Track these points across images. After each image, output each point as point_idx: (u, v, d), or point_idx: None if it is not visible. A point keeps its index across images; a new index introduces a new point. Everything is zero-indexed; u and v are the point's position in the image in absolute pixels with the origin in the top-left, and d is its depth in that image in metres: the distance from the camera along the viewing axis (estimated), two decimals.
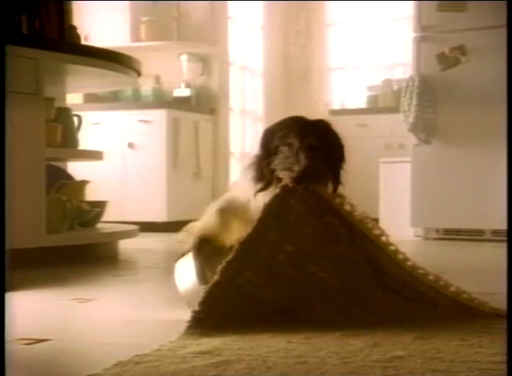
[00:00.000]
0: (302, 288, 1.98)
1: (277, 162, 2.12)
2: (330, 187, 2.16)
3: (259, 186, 2.16)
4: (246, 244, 1.99)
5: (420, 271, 2.11)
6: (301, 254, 2.01)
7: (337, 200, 2.11)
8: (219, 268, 1.96)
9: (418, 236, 5.45)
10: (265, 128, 2.26)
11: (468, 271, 3.52)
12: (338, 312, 1.97)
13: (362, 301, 2.00)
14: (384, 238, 2.11)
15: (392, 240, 2.14)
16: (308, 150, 2.08)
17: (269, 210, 2.03)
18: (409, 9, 6.25)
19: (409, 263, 2.12)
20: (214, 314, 1.89)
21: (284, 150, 2.12)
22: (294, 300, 1.97)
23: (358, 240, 2.07)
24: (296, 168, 2.08)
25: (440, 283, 2.12)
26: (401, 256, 2.12)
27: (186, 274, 2.18)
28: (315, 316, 1.94)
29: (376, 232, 2.10)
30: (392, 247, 2.12)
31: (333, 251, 2.03)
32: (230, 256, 1.98)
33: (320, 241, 2.04)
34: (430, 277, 2.11)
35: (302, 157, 2.07)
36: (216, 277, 1.95)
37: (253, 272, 1.97)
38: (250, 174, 2.21)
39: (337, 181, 2.18)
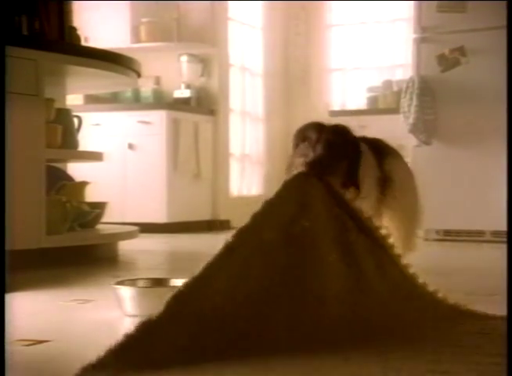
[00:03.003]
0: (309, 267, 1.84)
1: (296, 155, 2.28)
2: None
3: None
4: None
5: (420, 280, 2.10)
6: (316, 231, 1.91)
7: (349, 195, 2.13)
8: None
9: (418, 237, 5.44)
10: None
11: (468, 272, 3.52)
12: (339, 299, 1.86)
13: (366, 289, 1.95)
14: (390, 241, 2.09)
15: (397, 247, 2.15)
16: (325, 142, 2.22)
17: (284, 189, 1.97)
18: (409, 10, 6.26)
19: (411, 271, 2.10)
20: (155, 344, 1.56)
21: (303, 144, 2.27)
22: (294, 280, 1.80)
23: (363, 236, 2.04)
24: (311, 154, 2.21)
25: (438, 294, 2.12)
26: (404, 262, 2.11)
27: None
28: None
29: (383, 232, 2.09)
30: (396, 252, 2.11)
31: (342, 239, 2.00)
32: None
33: (331, 228, 1.98)
34: (430, 288, 2.11)
35: (318, 147, 2.22)
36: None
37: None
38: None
39: (353, 180, 2.23)
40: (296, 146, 2.30)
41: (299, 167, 2.17)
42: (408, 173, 2.66)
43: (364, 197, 2.32)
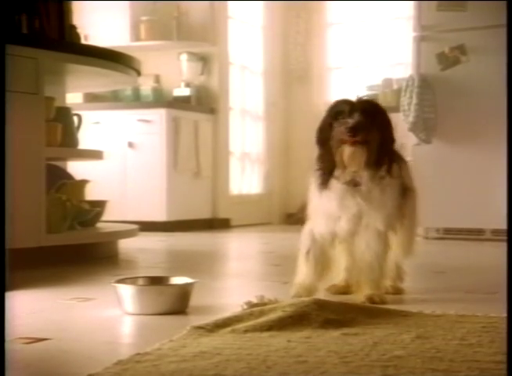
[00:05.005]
0: None
1: (334, 131, 2.24)
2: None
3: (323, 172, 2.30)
4: None
5: None
6: None
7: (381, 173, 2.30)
8: None
9: (418, 235, 5.44)
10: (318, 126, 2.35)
11: (468, 270, 3.53)
12: None
13: None
14: None
15: None
16: (360, 111, 2.22)
17: None
18: (409, 8, 6.25)
19: None
20: None
21: (337, 122, 2.24)
22: None
23: None
24: (350, 121, 2.20)
25: None
26: None
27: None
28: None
29: None
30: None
31: None
32: None
33: None
34: None
35: (356, 115, 2.21)
36: None
37: None
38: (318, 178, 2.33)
39: (387, 157, 2.27)
40: (329, 125, 2.25)
41: (340, 135, 2.20)
42: (410, 178, 2.64)
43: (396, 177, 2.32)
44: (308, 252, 2.40)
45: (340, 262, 2.58)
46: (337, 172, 2.28)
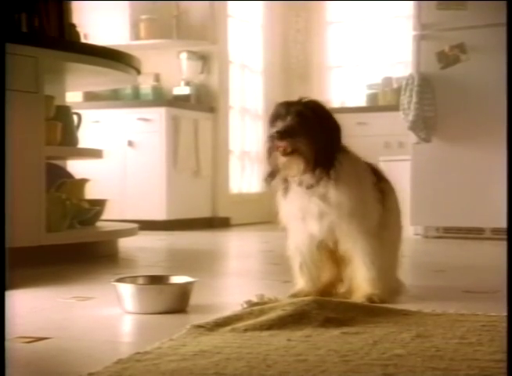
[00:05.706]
0: None
1: (267, 136, 2.21)
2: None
3: (270, 175, 2.25)
4: None
5: None
6: None
7: (313, 177, 2.23)
8: None
9: (418, 234, 5.45)
10: None
11: (468, 269, 3.53)
12: None
13: None
14: None
15: None
16: (294, 114, 2.18)
17: None
18: (409, 7, 6.25)
19: None
20: None
21: (277, 123, 2.20)
22: None
23: None
24: (280, 124, 2.16)
25: None
26: None
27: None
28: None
29: None
30: None
31: None
32: None
33: None
34: None
35: (288, 119, 2.17)
36: None
37: None
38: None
39: (326, 160, 2.18)
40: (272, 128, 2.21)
41: (271, 140, 2.15)
42: (398, 208, 2.51)
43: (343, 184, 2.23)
44: (300, 266, 2.40)
45: (338, 262, 2.54)
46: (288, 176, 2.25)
